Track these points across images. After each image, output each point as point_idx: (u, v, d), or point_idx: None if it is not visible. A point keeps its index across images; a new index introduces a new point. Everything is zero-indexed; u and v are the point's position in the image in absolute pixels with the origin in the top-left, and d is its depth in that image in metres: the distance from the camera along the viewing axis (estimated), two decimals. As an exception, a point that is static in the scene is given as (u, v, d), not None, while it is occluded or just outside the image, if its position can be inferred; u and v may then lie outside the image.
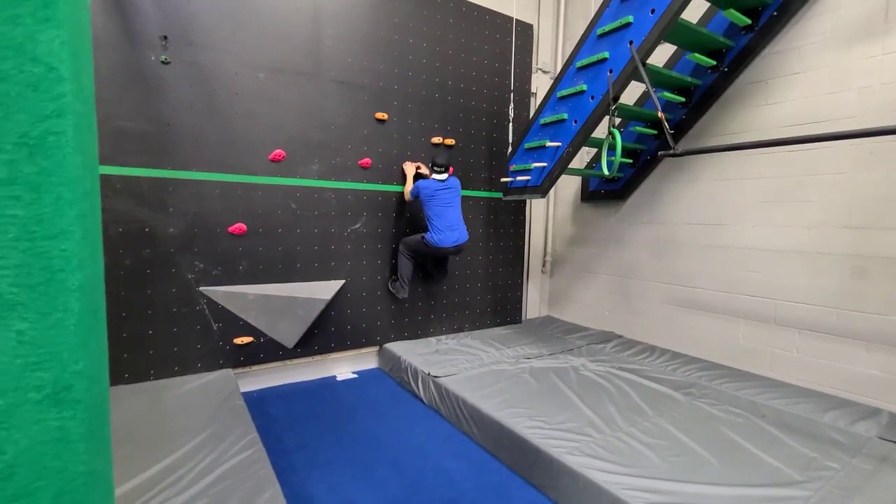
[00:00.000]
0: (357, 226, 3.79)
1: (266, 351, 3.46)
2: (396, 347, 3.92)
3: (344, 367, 3.96)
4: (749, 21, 3.22)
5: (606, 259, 4.56)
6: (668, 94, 3.57)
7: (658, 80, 3.47)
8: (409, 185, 3.83)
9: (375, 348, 4.07)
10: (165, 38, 2.96)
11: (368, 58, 3.73)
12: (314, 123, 3.53)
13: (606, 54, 3.12)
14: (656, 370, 3.47)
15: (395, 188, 3.96)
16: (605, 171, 3.29)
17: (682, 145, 3.81)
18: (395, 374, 3.79)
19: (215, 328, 3.25)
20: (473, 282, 4.52)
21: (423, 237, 3.78)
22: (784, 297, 3.24)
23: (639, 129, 3.83)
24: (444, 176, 3.73)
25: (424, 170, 3.94)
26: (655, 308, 4.13)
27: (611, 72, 3.10)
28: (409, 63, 3.93)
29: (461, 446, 2.77)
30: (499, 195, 4.35)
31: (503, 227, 4.64)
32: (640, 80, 3.22)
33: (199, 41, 3.07)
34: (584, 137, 3.35)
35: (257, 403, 3.27)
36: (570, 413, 2.69)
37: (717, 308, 3.65)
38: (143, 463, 2.05)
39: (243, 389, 3.45)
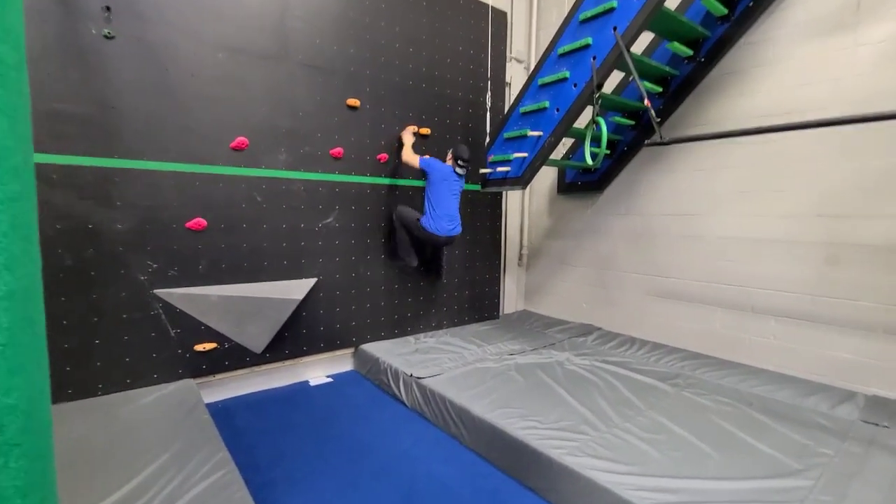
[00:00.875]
0: (329, 220, 3.55)
1: (232, 357, 3.17)
2: (374, 348, 3.72)
3: (318, 370, 3.72)
4: (726, 11, 3.24)
5: (583, 251, 4.54)
6: (646, 84, 3.54)
7: (637, 69, 3.43)
8: (410, 151, 3.69)
9: (351, 350, 3.85)
10: (108, 8, 2.61)
11: (338, 41, 3.48)
12: (281, 110, 3.25)
13: (589, 40, 3.04)
14: (639, 362, 3.46)
15: (370, 180, 3.74)
16: (590, 162, 3.23)
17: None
18: (373, 377, 3.59)
19: (173, 334, 2.93)
20: (451, 277, 4.38)
21: (418, 219, 3.63)
22: (760, 285, 3.30)
23: (617, 119, 3.80)
24: (463, 171, 3.63)
25: (409, 136, 3.80)
26: (633, 299, 4.14)
27: (594, 58, 3.03)
28: (381, 48, 3.71)
29: (451, 450, 2.62)
30: (476, 187, 4.22)
31: (480, 220, 4.52)
32: (625, 67, 3.17)
33: (148, 14, 2.73)
34: (566, 126, 3.27)
35: (224, 415, 2.99)
36: (563, 410, 2.60)
37: (694, 298, 3.69)
38: (96, 493, 1.77)
39: (207, 400, 3.15)
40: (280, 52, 3.21)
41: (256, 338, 3.19)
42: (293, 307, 3.28)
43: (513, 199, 5.02)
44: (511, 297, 5.11)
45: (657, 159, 3.88)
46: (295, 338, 3.45)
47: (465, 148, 3.62)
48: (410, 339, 3.99)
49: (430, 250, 4.01)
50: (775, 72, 3.18)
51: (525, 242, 5.05)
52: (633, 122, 3.92)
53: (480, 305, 4.67)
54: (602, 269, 4.38)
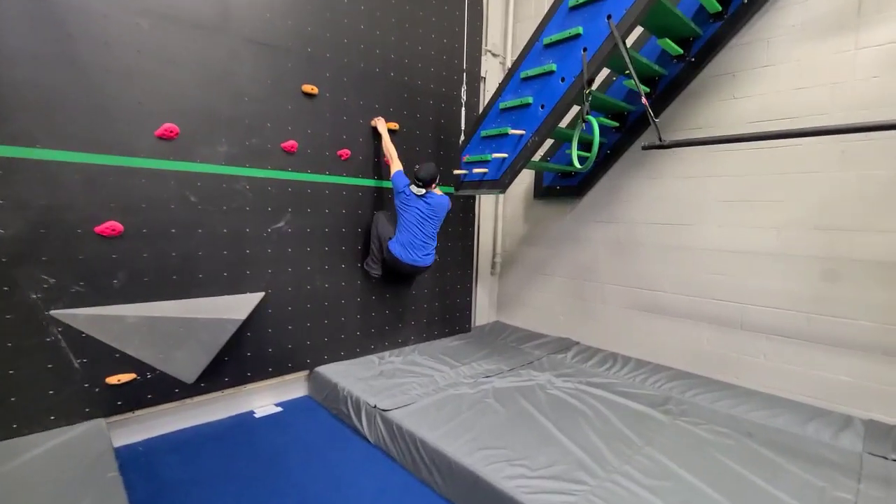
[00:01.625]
0: (280, 224, 3.05)
1: (156, 389, 2.63)
2: (331, 371, 3.26)
3: (265, 398, 3.21)
4: (720, 7, 3.02)
5: (561, 260, 4.26)
6: (632, 83, 3.28)
7: (623, 66, 3.16)
8: (392, 145, 3.35)
9: (305, 373, 3.36)
10: (-15, -50, 2.03)
11: (293, 16, 3.00)
12: (221, 93, 2.74)
13: (580, 30, 2.72)
14: (625, 383, 3.19)
15: (329, 179, 3.27)
16: (578, 165, 2.91)
17: (646, 139, 3.57)
18: (330, 405, 3.13)
19: (77, 365, 2.36)
20: (419, 288, 3.97)
21: (389, 238, 3.33)
22: (751, 301, 3.10)
23: (601, 119, 3.52)
24: (422, 191, 3.22)
25: (383, 126, 3.44)
26: (614, 312, 3.89)
27: (585, 50, 2.71)
28: (343, 28, 3.26)
29: (424, 501, 2.22)
30: (449, 190, 3.83)
31: (452, 225, 4.14)
32: (618, 62, 2.89)
33: (43, -37, 2.16)
34: (552, 125, 2.94)
35: (144, 462, 2.46)
36: (553, 450, 2.26)
37: (680, 312, 3.47)
38: None
39: (124, 442, 2.60)
40: (220, 22, 2.70)
41: (188, 366, 2.66)
42: (235, 328, 2.77)
43: (486, 204, 4.68)
44: (483, 309, 4.76)
45: (641, 164, 3.64)
46: (237, 362, 2.94)
47: (428, 166, 3.22)
48: (374, 358, 3.55)
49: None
50: (769, 75, 2.99)
51: (499, 250, 4.72)
52: (617, 124, 3.66)
53: (451, 318, 4.29)
54: (581, 279, 4.11)
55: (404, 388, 2.97)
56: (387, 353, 3.67)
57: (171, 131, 2.54)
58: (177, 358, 2.62)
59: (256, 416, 3.06)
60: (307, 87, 3.08)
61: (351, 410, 2.89)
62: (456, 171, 3.51)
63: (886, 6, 2.56)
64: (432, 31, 3.79)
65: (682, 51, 3.21)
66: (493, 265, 4.75)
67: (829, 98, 2.75)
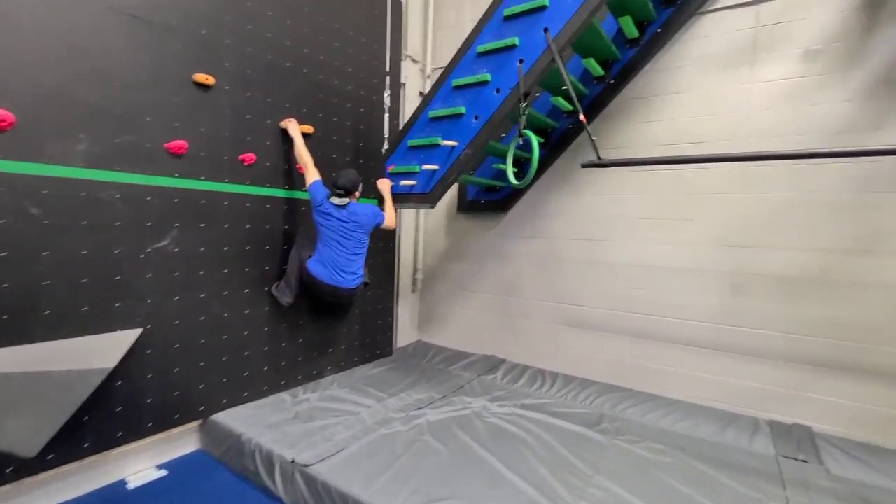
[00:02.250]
0: (164, 243, 2.46)
1: (-26, 474, 1.89)
2: (233, 418, 2.71)
3: (142, 461, 2.55)
4: (637, 34, 3.15)
5: (485, 275, 4.15)
6: (560, 101, 3.29)
7: (552, 83, 3.16)
8: (307, 151, 2.93)
9: (197, 423, 2.76)
10: None
11: (182, -12, 2.46)
12: (81, 73, 2.11)
13: (516, 41, 2.62)
14: (558, 402, 3.14)
15: (229, 188, 2.74)
16: (514, 181, 2.80)
17: (567, 157, 3.63)
18: (231, 461, 2.58)
19: None
20: (335, 311, 3.54)
21: (310, 257, 2.93)
22: (668, 314, 3.26)
23: (527, 134, 3.48)
24: (344, 201, 2.84)
25: (296, 130, 2.99)
26: (539, 328, 3.87)
27: (521, 62, 2.62)
28: (247, 12, 2.78)
29: (360, 577, 1.86)
30: (372, 202, 3.49)
31: (371, 240, 3.77)
32: (551, 78, 2.84)
33: None
34: (487, 138, 2.80)
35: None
36: (504, 493, 2.06)
37: (603, 327, 3.54)
38: None
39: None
40: (79, -16, 2.08)
41: (26, 436, 1.96)
42: (100, 379, 2.13)
43: (406, 217, 4.41)
44: (405, 328, 4.46)
45: (563, 181, 3.68)
46: (103, 420, 2.28)
47: (348, 172, 2.92)
48: (286, 397, 3.05)
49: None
50: (682, 100, 3.19)
51: (420, 266, 4.48)
52: (541, 140, 3.65)
53: (372, 341, 3.92)
54: (505, 295, 4.04)
55: (326, 432, 2.56)
56: (301, 390, 3.19)
57: (2, 121, 1.87)
58: (11, 427, 1.91)
59: (129, 486, 2.40)
60: (201, 77, 2.55)
61: (260, 467, 2.40)
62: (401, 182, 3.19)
63: (777, 45, 2.86)
64: (351, 27, 3.45)
65: (603, 72, 3.30)
66: (415, 282, 4.49)
67: (733, 126, 3.00)
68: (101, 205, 2.20)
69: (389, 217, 3.04)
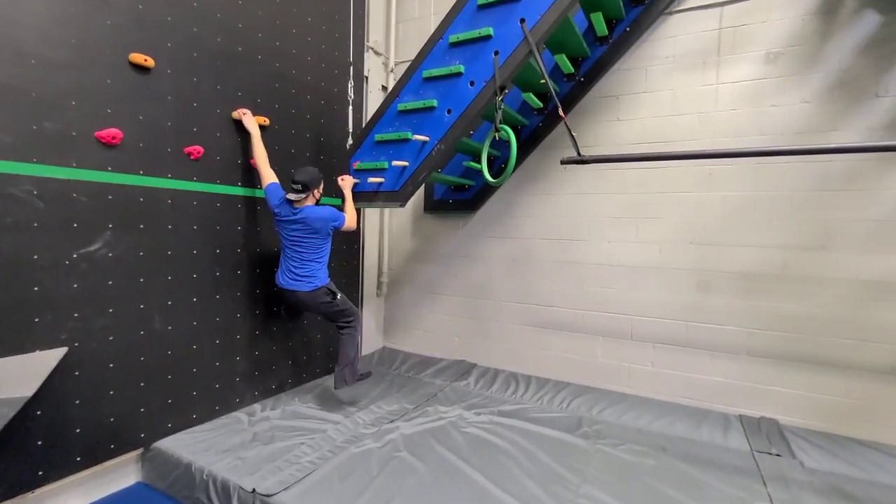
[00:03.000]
0: (94, 247, 2.13)
1: None
2: (180, 444, 2.40)
3: (69, 501, 2.19)
4: (607, 32, 3.13)
5: (454, 278, 4.01)
6: (531, 97, 3.22)
7: (522, 78, 3.07)
8: (262, 149, 2.73)
9: (137, 452, 2.42)
10: None
11: (114, -45, 2.14)
12: (-17, 45, 1.77)
13: (490, 31, 2.50)
14: (535, 407, 3.05)
15: (172, 184, 2.43)
16: (488, 177, 2.67)
17: (538, 156, 3.57)
18: (180, 494, 2.27)
19: None
20: (296, 319, 3.28)
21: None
22: (639, 312, 3.26)
23: (505, 129, 3.38)
24: (299, 197, 2.60)
25: (252, 123, 2.75)
26: (510, 330, 3.77)
27: (496, 53, 2.50)
28: (193, -13, 2.48)
29: None
30: (335, 201, 3.26)
31: (335, 242, 3.52)
32: (524, 72, 2.74)
33: None
34: (460, 133, 2.66)
35: None
36: (493, 511, 1.92)
37: (574, 327, 3.50)
38: None
39: None
40: (-19, -63, 1.74)
41: (-88, 487, 1.59)
42: (12, 412, 1.78)
43: (370, 217, 4.19)
44: (370, 335, 4.23)
45: (534, 180, 3.61)
46: (18, 459, 1.92)
47: (307, 168, 2.70)
48: (242, 416, 2.76)
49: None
50: (648, 100, 3.20)
51: (385, 268, 4.26)
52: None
53: (336, 350, 3.65)
54: (475, 297, 3.91)
55: (290, 455, 2.31)
56: (259, 407, 2.90)
57: None
58: None
59: (55, 534, 2.04)
60: (138, 58, 2.23)
61: (215, 499, 2.12)
62: (371, 180, 2.98)
63: (739, 48, 2.93)
64: (310, 14, 3.20)
65: (573, 69, 3.26)
66: (379, 285, 4.27)
67: (699, 125, 3.04)
68: (13, 202, 1.85)
69: (350, 219, 2.81)
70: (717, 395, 3.04)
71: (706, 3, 3.02)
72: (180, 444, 2.40)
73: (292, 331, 3.25)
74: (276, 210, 2.65)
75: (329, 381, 3.42)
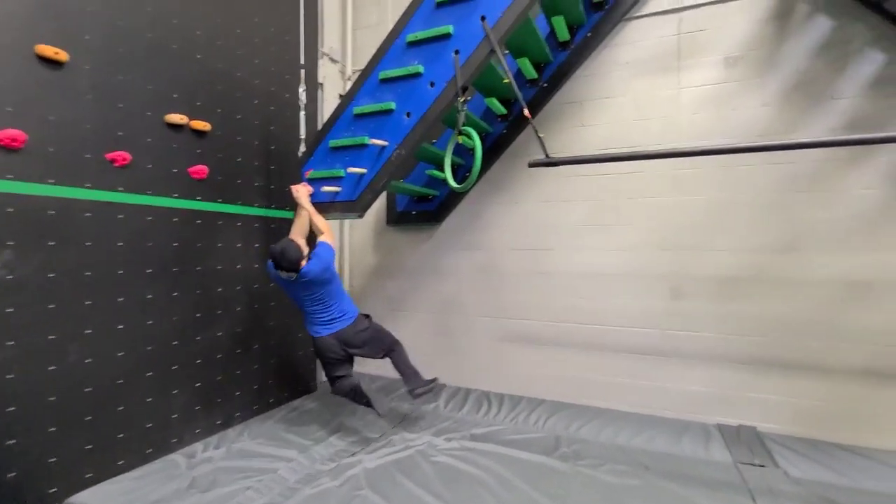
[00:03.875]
0: (-10, 269, 1.80)
1: None
2: (101, 497, 2.05)
3: (-47, 582, 1.79)
4: (569, 37, 3.08)
5: (421, 293, 3.79)
6: (495, 103, 3.11)
7: (485, 82, 2.96)
8: (319, 218, 2.67)
9: (46, 512, 2.03)
10: None
11: (17, -67, 1.87)
12: None
13: (450, 29, 2.37)
14: (510, 428, 2.85)
15: (92, 194, 2.13)
16: (453, 184, 2.51)
17: (504, 163, 3.45)
18: (99, 560, 1.91)
19: None
20: (244, 342, 2.96)
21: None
22: (612, 322, 3.15)
23: (462, 138, 3.24)
24: (290, 275, 2.43)
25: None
26: (481, 346, 3.58)
27: (457, 53, 2.36)
28: (117, -24, 2.22)
29: None
30: (286, 214, 3.00)
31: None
32: (486, 76, 2.62)
33: None
34: (421, 136, 2.50)
35: None
36: (468, 556, 1.68)
37: (548, 340, 3.35)
38: None
39: None
40: None
41: None
42: None
43: (328, 231, 3.93)
44: (330, 358, 3.92)
45: (500, 189, 3.48)
46: None
47: (286, 248, 2.40)
48: (180, 459, 2.41)
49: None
50: (611, 106, 3.16)
51: (346, 286, 3.99)
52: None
53: (291, 376, 3.35)
54: (444, 313, 3.71)
55: (234, 502, 2.00)
56: (200, 446, 2.55)
57: None
58: None
59: None
60: (46, 50, 1.95)
61: (140, 565, 1.78)
62: (326, 189, 2.73)
63: (699, 53, 2.93)
64: (257, 13, 2.99)
65: (536, 74, 3.18)
66: (340, 304, 3.99)
67: (663, 129, 3.00)
68: None
69: (326, 238, 2.57)
70: (694, 404, 2.94)
71: (664, 9, 3.02)
72: (102, 497, 2.05)
73: (242, 357, 2.93)
74: (274, 277, 2.54)
75: (282, 411, 3.11)
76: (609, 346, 3.17)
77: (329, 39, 3.88)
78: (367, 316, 2.76)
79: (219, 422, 2.78)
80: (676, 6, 2.98)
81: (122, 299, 2.24)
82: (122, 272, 2.24)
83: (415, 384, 2.71)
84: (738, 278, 2.85)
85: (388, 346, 2.77)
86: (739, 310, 2.85)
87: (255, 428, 2.82)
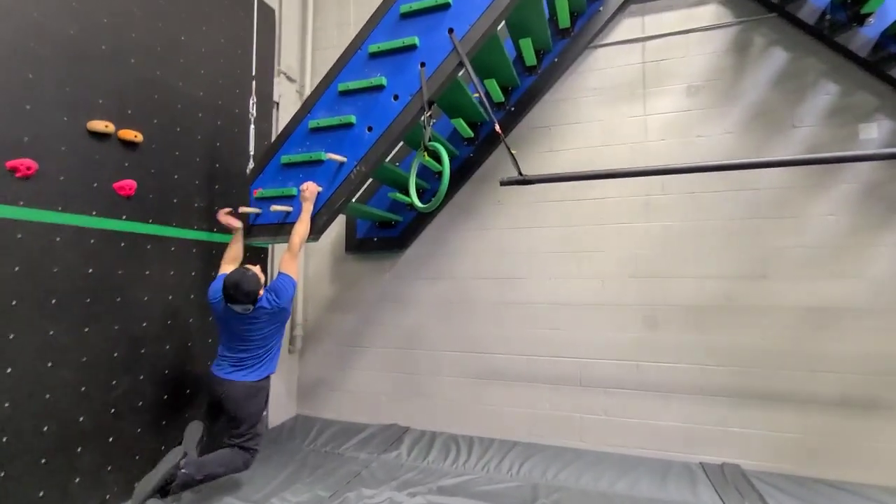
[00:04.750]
0: None
1: None
2: None
3: None
4: (535, 62, 3.03)
5: (382, 326, 3.49)
6: (462, 124, 2.98)
7: (452, 101, 2.83)
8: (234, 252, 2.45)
9: None
10: None
11: None
12: None
13: (416, 40, 2.23)
14: (482, 478, 2.55)
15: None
16: (417, 203, 2.30)
17: (471, 188, 3.30)
18: None
19: None
20: (174, 386, 2.55)
21: None
22: (588, 354, 2.98)
23: (427, 160, 3.07)
24: (245, 308, 2.15)
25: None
26: (448, 384, 3.29)
27: (423, 65, 2.22)
28: (35, -37, 1.95)
29: None
30: (230, 239, 2.67)
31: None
32: (453, 95, 2.48)
33: None
34: (384, 153, 2.31)
35: None
36: None
37: (521, 376, 3.11)
38: None
39: None
40: None
41: None
42: None
43: (279, 258, 3.59)
44: (279, 401, 3.49)
45: (467, 215, 3.32)
46: None
47: (238, 285, 2.09)
48: (77, 537, 1.94)
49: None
50: (580, 131, 3.11)
51: (299, 320, 3.63)
52: (440, 168, 3.27)
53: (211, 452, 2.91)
54: (407, 348, 3.41)
55: None
56: (108, 518, 2.09)
57: None
58: None
59: None
60: (-68, 34, 1.62)
61: None
62: (243, 210, 2.44)
63: (663, 81, 2.95)
64: (204, 22, 2.76)
65: (504, 98, 3.10)
66: (293, 341, 3.61)
67: (631, 155, 2.96)
68: None
69: (288, 262, 2.27)
70: (675, 441, 2.76)
71: (628, 38, 3.04)
72: None
73: (170, 404, 2.50)
74: (214, 304, 2.22)
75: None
76: (585, 380, 2.97)
77: (287, 58, 3.68)
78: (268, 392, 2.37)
79: (136, 483, 2.31)
80: (640, 36, 3.01)
81: (13, 336, 1.83)
82: (14, 303, 1.84)
83: (188, 474, 2.11)
84: (712, 306, 2.77)
85: (245, 440, 2.27)
86: (715, 339, 2.75)
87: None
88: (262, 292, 2.17)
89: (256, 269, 2.21)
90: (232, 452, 2.26)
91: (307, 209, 2.28)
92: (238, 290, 2.08)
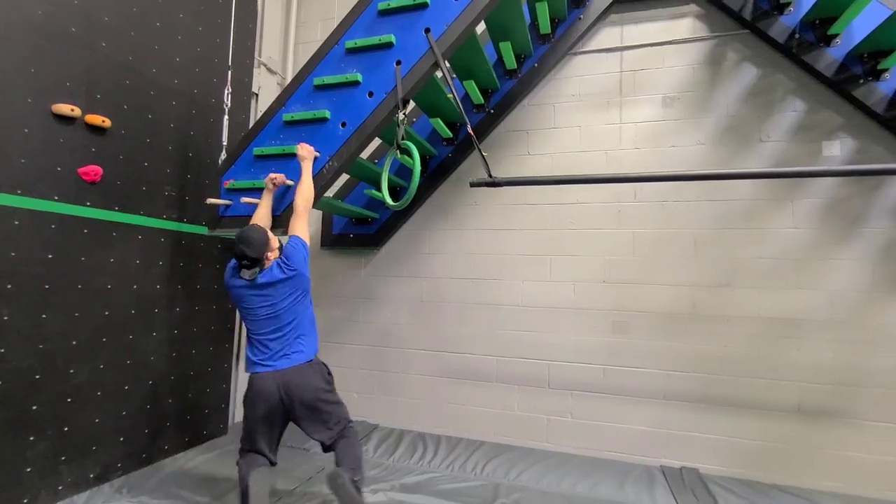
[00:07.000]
0: None
1: None
2: None
3: None
4: (516, 65, 3.06)
5: (354, 323, 3.48)
6: (440, 124, 2.99)
7: (430, 101, 2.85)
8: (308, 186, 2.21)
9: None
10: None
11: None
12: None
13: (392, 38, 2.23)
14: (445, 476, 2.56)
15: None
16: (389, 201, 2.31)
17: (447, 188, 3.31)
18: None
19: None
20: (136, 375, 2.51)
21: None
22: (557, 357, 3.01)
23: (404, 158, 3.08)
24: (253, 272, 1.91)
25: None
26: (418, 382, 3.30)
27: (399, 63, 2.22)
28: (2, -60, 1.90)
29: None
30: (200, 230, 2.65)
31: (200, 280, 2.88)
32: (435, 94, 2.49)
33: None
34: (357, 149, 2.30)
35: None
36: None
37: (490, 376, 3.14)
38: None
39: None
40: None
41: None
42: None
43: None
44: (247, 396, 3.46)
45: (444, 215, 3.33)
46: None
47: (245, 234, 1.93)
48: (25, 528, 1.90)
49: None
50: (557, 136, 3.14)
51: (272, 313, 3.59)
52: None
53: (196, 419, 2.88)
54: (379, 345, 3.41)
55: (87, 586, 1.56)
56: (60, 509, 2.05)
57: None
58: None
59: None
60: None
61: None
62: (211, 201, 2.42)
63: (639, 90, 3.00)
64: (181, 8, 2.72)
65: (483, 100, 3.11)
66: (264, 334, 3.57)
67: (606, 162, 3.01)
68: None
69: (297, 223, 2.09)
70: (637, 445, 2.81)
71: (607, 47, 3.09)
72: None
73: (130, 394, 2.46)
74: (229, 286, 2.00)
75: (182, 459, 2.64)
76: (553, 382, 3.01)
77: (269, 49, 3.66)
78: (330, 373, 2.10)
79: (93, 475, 2.27)
80: (619, 45, 3.06)
81: (-36, 322, 1.79)
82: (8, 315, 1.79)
83: (348, 481, 1.86)
84: (679, 314, 2.82)
85: (343, 425, 2.04)
86: (681, 346, 2.80)
87: (142, 482, 2.35)
88: (271, 256, 1.99)
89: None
90: (345, 444, 2.00)
91: (307, 169, 2.17)
92: (242, 239, 1.90)
